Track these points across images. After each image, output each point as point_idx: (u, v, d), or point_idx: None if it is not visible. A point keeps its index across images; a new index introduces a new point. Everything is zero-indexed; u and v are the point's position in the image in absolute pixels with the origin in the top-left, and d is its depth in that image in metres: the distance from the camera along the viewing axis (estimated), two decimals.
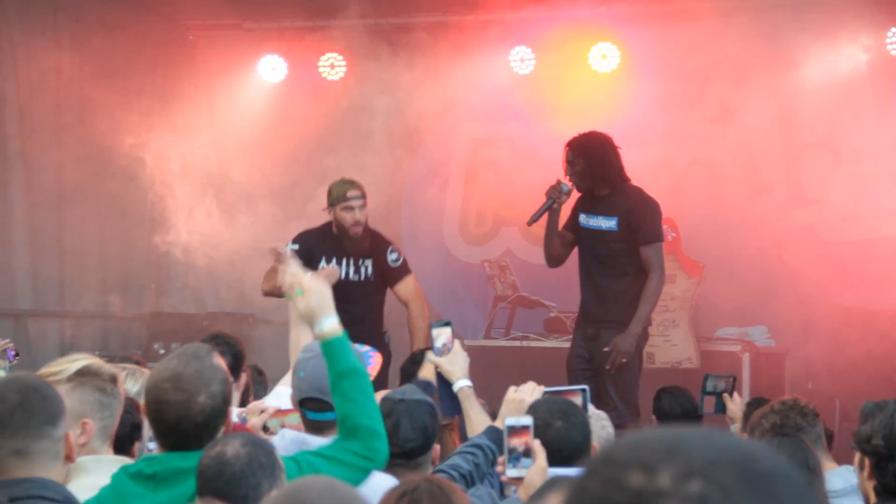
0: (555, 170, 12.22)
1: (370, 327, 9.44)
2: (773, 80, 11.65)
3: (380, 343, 9.54)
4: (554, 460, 4.50)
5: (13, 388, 3.75)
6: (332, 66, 12.25)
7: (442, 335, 5.60)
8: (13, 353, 8.10)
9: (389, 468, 4.73)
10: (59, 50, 11.55)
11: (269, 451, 3.72)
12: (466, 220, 12.76)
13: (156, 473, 4.11)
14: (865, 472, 4.02)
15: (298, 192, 12.05)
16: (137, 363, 6.51)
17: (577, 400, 5.20)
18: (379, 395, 5.22)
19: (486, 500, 4.67)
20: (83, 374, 4.36)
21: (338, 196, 9.32)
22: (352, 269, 9.45)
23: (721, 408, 7.19)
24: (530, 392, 5.19)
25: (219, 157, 12.92)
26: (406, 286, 9.56)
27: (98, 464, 4.27)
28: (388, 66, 12.53)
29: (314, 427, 4.63)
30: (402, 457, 4.78)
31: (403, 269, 9.52)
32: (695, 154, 12.04)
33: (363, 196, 9.32)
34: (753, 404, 6.94)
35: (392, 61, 12.52)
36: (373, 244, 9.47)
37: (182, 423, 4.07)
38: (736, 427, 7.01)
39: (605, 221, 8.98)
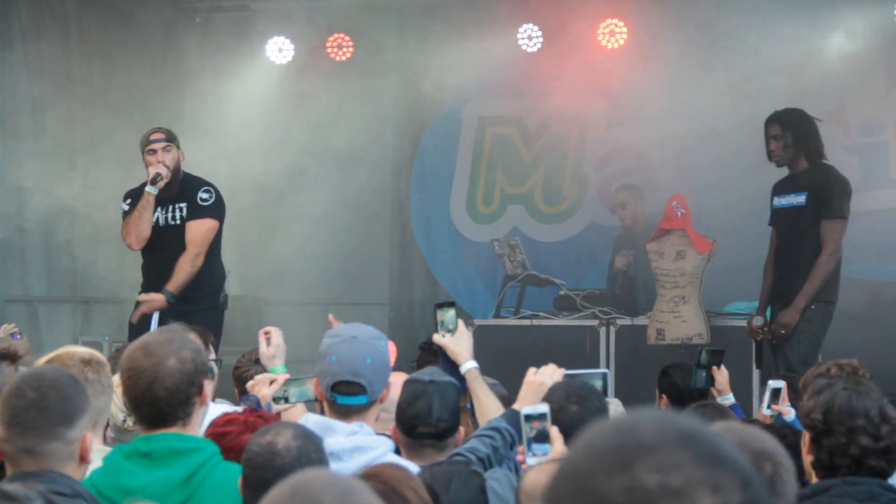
0: (561, 147, 12.32)
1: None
2: (781, 53, 11.63)
3: (210, 299, 8.98)
4: (569, 445, 4.52)
5: (33, 384, 3.67)
6: (340, 46, 12.22)
7: (447, 316, 5.54)
8: (18, 336, 8.09)
9: (418, 449, 4.77)
10: (67, 34, 11.54)
11: (318, 446, 3.71)
12: (474, 199, 12.76)
13: (151, 451, 4.09)
14: (805, 448, 4.12)
15: (308, 172, 12.06)
16: None
17: (598, 383, 5.19)
18: (401, 377, 5.24)
19: (504, 482, 4.67)
20: (51, 363, 4.29)
21: (142, 143, 8.93)
22: (169, 216, 8.92)
23: (711, 381, 7.20)
24: (550, 374, 5.12)
25: (227, 140, 12.92)
26: (195, 227, 8.91)
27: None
28: (396, 46, 12.51)
29: (343, 412, 4.63)
30: (435, 437, 4.79)
31: (205, 211, 8.91)
32: (703, 128, 12.03)
33: (167, 139, 8.85)
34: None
35: (399, 40, 12.49)
36: (185, 187, 8.94)
37: (153, 389, 4.06)
38: (729, 399, 6.98)
39: (796, 198, 9.18)
